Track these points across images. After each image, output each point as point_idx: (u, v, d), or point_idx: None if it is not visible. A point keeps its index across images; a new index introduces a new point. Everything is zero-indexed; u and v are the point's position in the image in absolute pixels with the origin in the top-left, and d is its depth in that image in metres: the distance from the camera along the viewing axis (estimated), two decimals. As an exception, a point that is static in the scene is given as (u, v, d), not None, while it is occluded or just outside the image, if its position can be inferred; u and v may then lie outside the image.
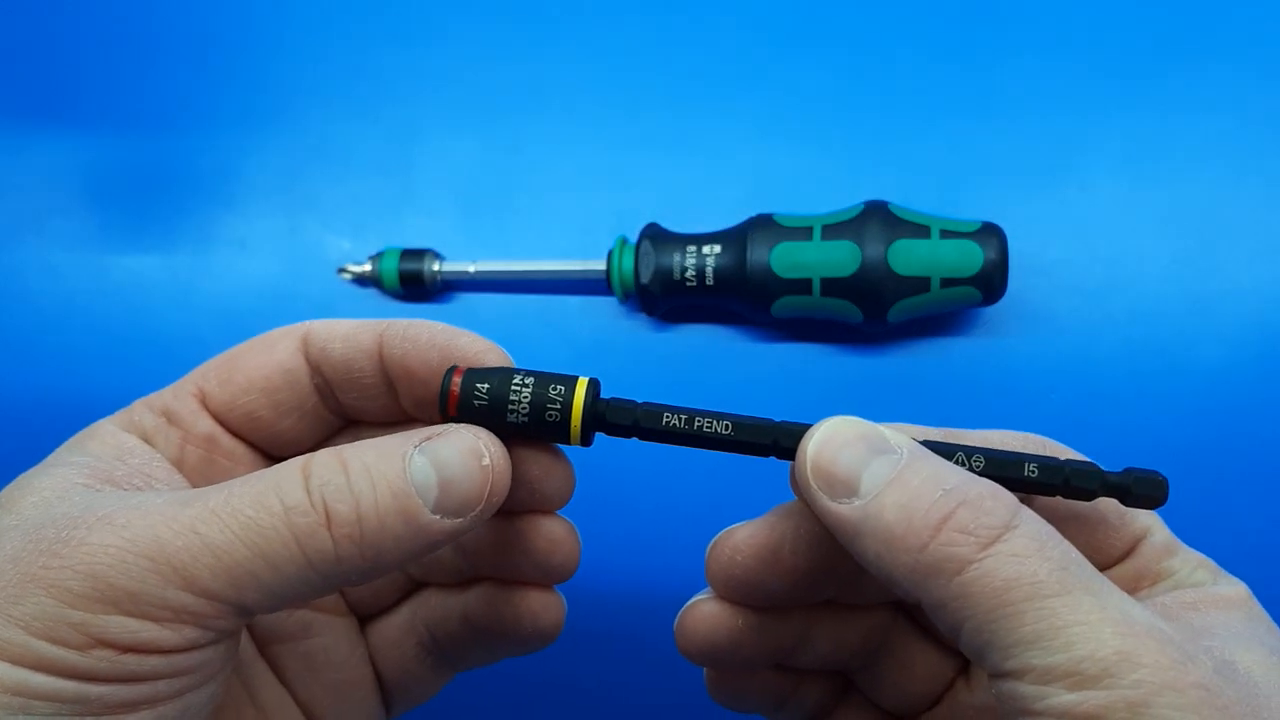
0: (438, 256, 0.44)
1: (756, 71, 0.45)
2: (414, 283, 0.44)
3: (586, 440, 0.23)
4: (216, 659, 0.20)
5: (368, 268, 0.44)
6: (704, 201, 0.44)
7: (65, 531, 0.19)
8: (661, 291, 0.41)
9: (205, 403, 0.24)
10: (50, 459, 0.22)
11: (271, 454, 0.25)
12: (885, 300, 0.38)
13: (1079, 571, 0.18)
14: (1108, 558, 0.23)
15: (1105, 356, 0.41)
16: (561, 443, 0.23)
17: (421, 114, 0.47)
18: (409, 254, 0.44)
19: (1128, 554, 0.23)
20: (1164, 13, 0.43)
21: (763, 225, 0.40)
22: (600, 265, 0.42)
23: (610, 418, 0.22)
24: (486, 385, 0.22)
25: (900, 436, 0.21)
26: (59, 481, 0.21)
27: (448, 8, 0.47)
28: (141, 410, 0.24)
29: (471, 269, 0.43)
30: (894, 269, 0.38)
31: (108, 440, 0.23)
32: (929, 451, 0.21)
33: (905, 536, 0.19)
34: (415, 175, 0.46)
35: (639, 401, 0.23)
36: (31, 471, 0.22)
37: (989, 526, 0.18)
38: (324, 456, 0.20)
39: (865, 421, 0.21)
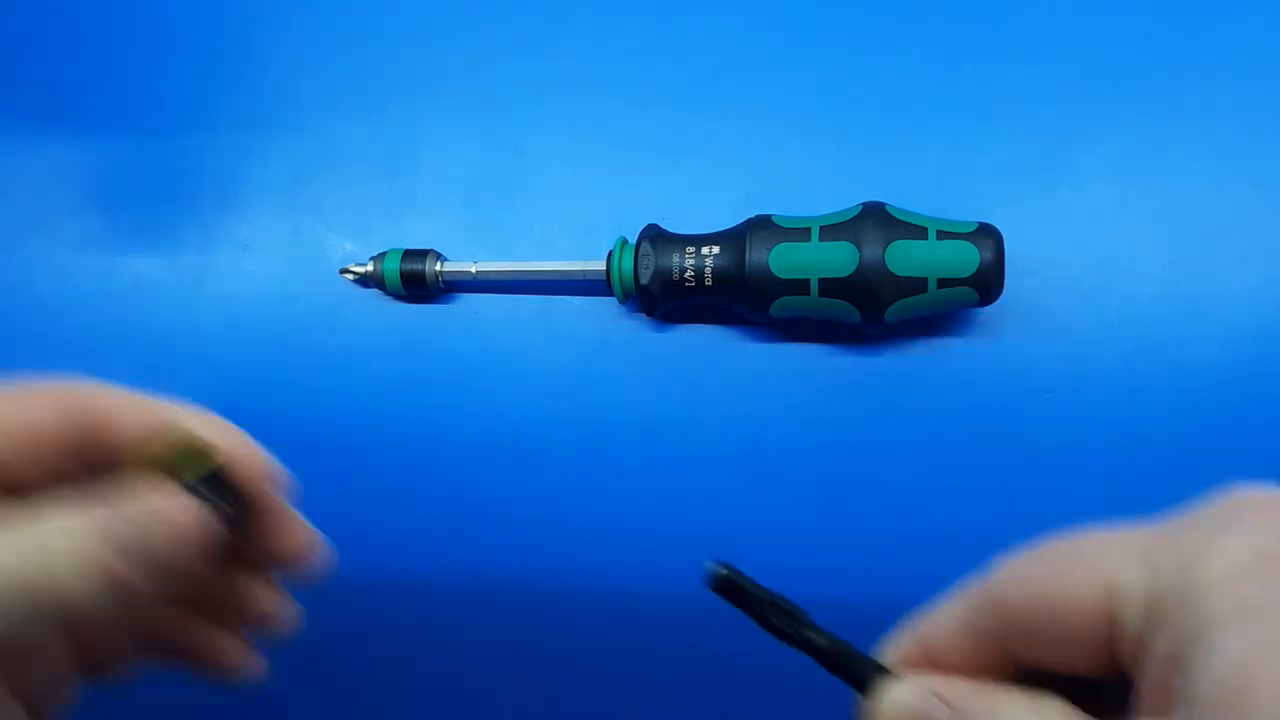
0: (440, 257, 0.44)
1: (755, 73, 0.45)
2: (416, 283, 0.44)
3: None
4: None
5: (370, 268, 0.45)
6: (703, 203, 0.44)
7: None
8: (661, 292, 0.41)
9: None
10: None
11: None
12: (883, 301, 0.38)
13: None
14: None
15: (1101, 357, 0.41)
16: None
17: (423, 115, 0.47)
18: (411, 254, 0.44)
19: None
20: (1159, 15, 0.44)
21: (761, 226, 0.40)
22: (600, 266, 0.42)
23: None
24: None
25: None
26: None
27: (449, 10, 0.48)
28: None
29: (473, 269, 0.44)
30: (891, 270, 0.38)
31: None
32: None
33: None
34: (417, 176, 0.46)
35: None
36: None
37: None
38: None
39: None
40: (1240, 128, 0.42)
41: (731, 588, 0.23)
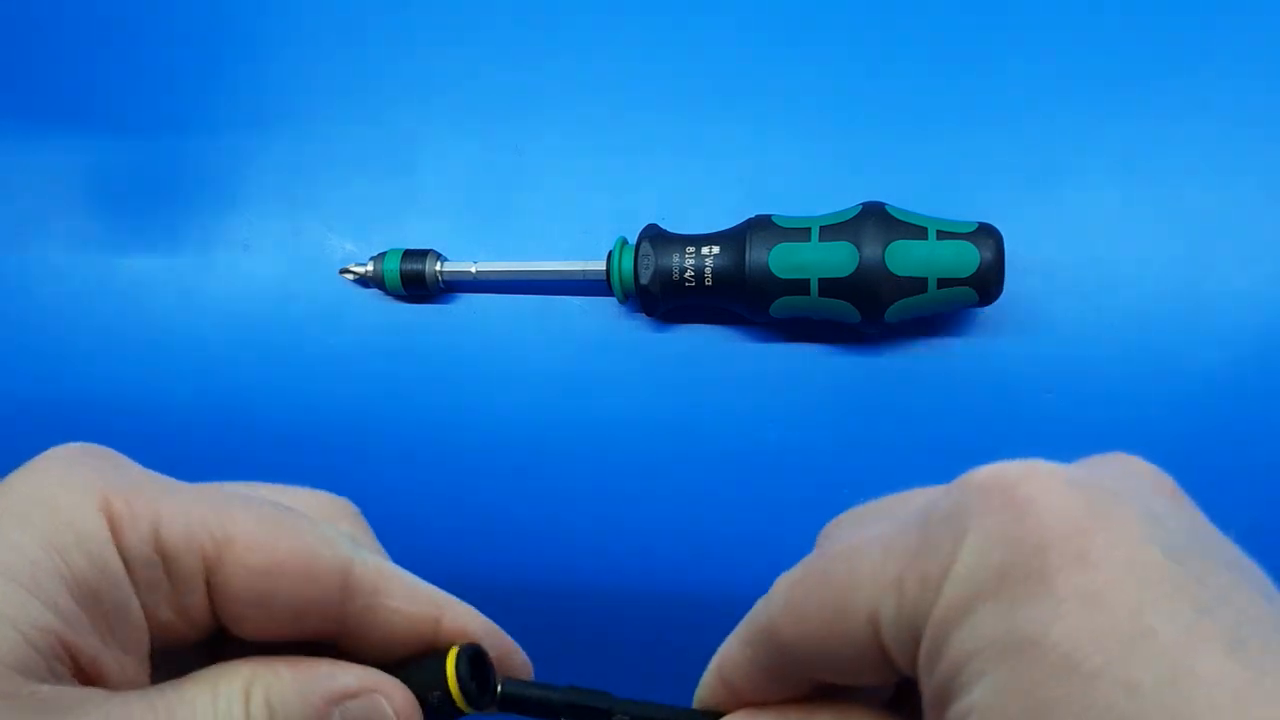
0: (439, 257, 0.44)
1: (755, 73, 0.45)
2: (416, 283, 0.44)
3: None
4: None
5: (370, 268, 0.45)
6: (703, 202, 0.44)
7: None
8: (661, 292, 0.41)
9: (210, 580, 0.21)
10: (12, 520, 0.19)
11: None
12: (882, 301, 0.38)
13: None
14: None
15: (1101, 357, 0.41)
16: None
17: (423, 115, 0.47)
18: (411, 254, 0.44)
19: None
20: (1160, 15, 0.44)
21: (761, 226, 0.40)
22: (600, 266, 0.42)
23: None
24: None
25: None
26: (18, 641, 0.18)
27: (450, 10, 0.48)
28: (139, 533, 0.20)
29: (473, 269, 0.44)
30: (891, 270, 0.38)
31: (92, 553, 0.20)
32: None
33: None
34: (417, 176, 0.46)
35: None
36: None
37: None
38: (259, 700, 0.20)
39: None
40: (1242, 127, 0.42)
41: (517, 703, 0.23)
